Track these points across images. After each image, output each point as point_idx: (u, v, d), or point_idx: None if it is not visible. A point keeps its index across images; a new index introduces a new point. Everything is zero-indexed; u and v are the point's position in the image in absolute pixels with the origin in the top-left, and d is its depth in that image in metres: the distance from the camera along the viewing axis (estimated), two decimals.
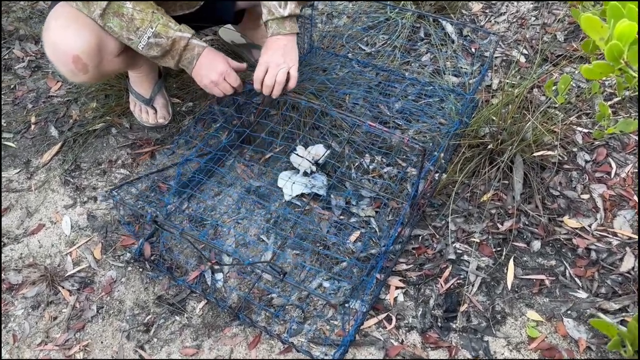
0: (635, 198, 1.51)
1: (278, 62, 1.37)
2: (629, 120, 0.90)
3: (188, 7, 1.52)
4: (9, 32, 2.19)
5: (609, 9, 0.64)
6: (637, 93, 1.72)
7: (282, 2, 1.37)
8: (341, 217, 1.53)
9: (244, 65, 1.45)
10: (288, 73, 1.38)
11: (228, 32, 1.96)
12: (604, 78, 1.19)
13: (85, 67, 1.41)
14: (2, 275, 1.46)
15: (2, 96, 1.96)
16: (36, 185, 1.67)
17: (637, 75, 0.67)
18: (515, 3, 2.16)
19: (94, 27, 1.39)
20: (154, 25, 1.32)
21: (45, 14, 2.25)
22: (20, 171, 1.71)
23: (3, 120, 1.87)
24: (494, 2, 2.19)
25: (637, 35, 0.64)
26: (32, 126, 1.84)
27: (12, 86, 1.99)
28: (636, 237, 1.43)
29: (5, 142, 1.79)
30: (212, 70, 1.39)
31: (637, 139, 1.64)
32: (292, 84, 1.40)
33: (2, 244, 1.53)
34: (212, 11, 1.60)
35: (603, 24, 0.66)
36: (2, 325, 1.36)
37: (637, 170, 1.57)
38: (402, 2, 2.07)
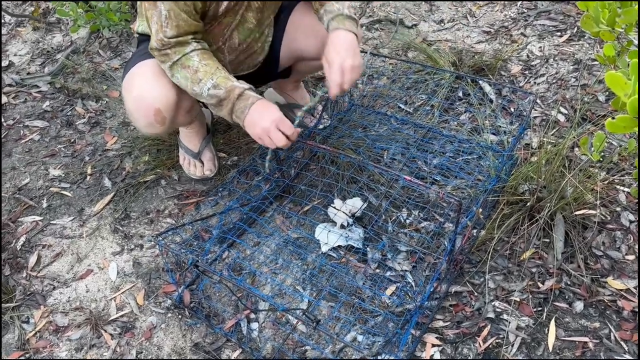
0: None
1: (353, 65, 1.37)
2: None
3: (248, 67, 1.68)
4: (72, 91, 2.37)
5: (632, 67, 0.67)
6: None
7: (347, 6, 1.46)
8: (377, 270, 1.53)
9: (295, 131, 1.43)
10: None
11: (272, 94, 2.07)
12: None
13: (164, 120, 1.53)
14: (50, 317, 1.53)
15: (63, 149, 2.10)
16: (87, 232, 1.76)
17: None
18: (555, 65, 2.19)
19: (174, 84, 1.52)
20: (214, 77, 1.41)
21: (107, 74, 2.44)
22: (73, 219, 1.81)
23: (61, 171, 2.00)
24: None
25: None
26: (88, 177, 1.96)
27: (72, 140, 2.14)
28: None
29: (62, 192, 1.91)
30: (265, 118, 1.38)
31: None
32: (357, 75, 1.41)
33: (52, 287, 1.61)
34: (267, 69, 1.73)
35: (627, 80, 0.69)
36: None
37: None
38: (440, 64, 2.14)
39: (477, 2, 2.65)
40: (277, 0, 1.64)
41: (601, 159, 1.74)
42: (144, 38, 1.64)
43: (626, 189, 1.65)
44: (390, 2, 2.71)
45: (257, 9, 1.57)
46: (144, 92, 1.50)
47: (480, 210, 1.51)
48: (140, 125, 1.56)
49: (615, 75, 0.68)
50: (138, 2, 1.62)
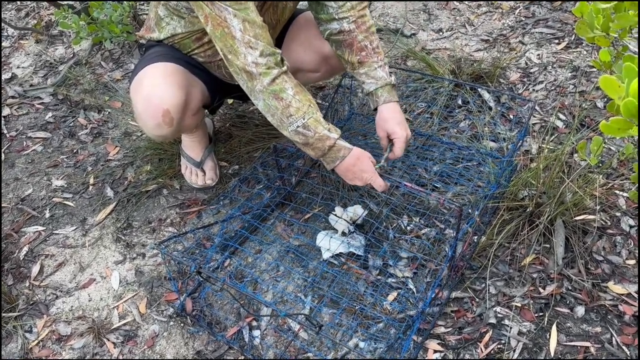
0: None
1: (409, 135, 1.50)
2: None
3: None
4: (75, 102, 2.40)
5: (625, 69, 0.68)
6: None
7: (388, 71, 1.51)
8: (378, 276, 1.54)
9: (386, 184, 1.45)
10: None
11: None
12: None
13: (172, 121, 1.54)
14: (53, 326, 1.53)
15: (66, 160, 2.12)
16: (90, 242, 1.77)
17: None
18: (553, 72, 2.21)
19: (184, 85, 1.53)
20: (306, 117, 1.35)
21: (109, 86, 2.47)
22: (76, 229, 1.82)
23: (64, 181, 2.01)
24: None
25: None
26: (90, 187, 1.98)
27: (74, 151, 2.15)
28: None
29: (65, 202, 1.93)
30: (356, 177, 1.42)
31: None
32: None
33: (55, 296, 1.62)
34: None
35: (620, 83, 0.70)
36: None
37: None
38: (440, 73, 2.16)
39: (475, 10, 2.68)
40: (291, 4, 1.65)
41: (600, 164, 1.75)
42: (153, 43, 1.66)
43: (625, 194, 1.66)
44: (390, 12, 2.74)
45: (270, 25, 1.58)
46: (153, 92, 1.51)
47: (479, 216, 1.52)
48: (148, 127, 1.57)
49: (609, 79, 0.69)
50: (150, 14, 1.65)
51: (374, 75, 1.51)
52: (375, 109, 1.54)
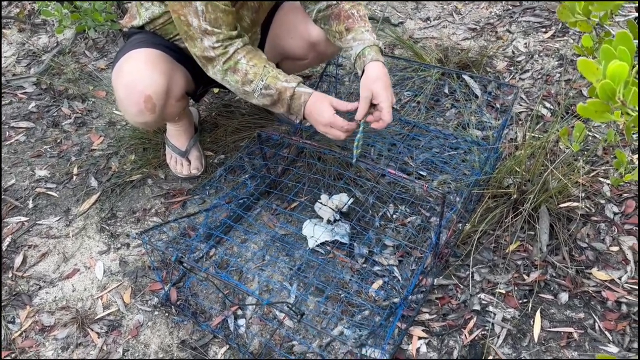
0: None
1: (394, 102, 1.43)
2: None
3: None
4: (59, 92, 2.37)
5: (602, 51, 0.68)
6: None
7: (375, 36, 1.48)
8: (364, 264, 1.54)
9: (352, 105, 1.43)
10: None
11: None
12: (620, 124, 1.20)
13: (154, 107, 1.53)
14: (36, 316, 1.52)
15: (49, 150, 2.09)
16: (74, 232, 1.75)
17: (636, 114, 0.69)
18: (540, 60, 2.21)
19: (166, 72, 1.52)
20: (264, 78, 1.40)
21: (93, 75, 2.43)
22: (60, 219, 1.80)
23: (47, 171, 1.99)
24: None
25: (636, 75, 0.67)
26: (74, 177, 1.95)
27: (58, 140, 2.13)
28: None
29: (48, 192, 1.90)
30: (319, 121, 1.42)
31: None
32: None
33: (38, 287, 1.60)
34: None
35: (598, 66, 0.70)
36: None
37: None
38: (427, 61, 2.15)
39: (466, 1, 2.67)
40: (273, 0, 1.65)
41: (584, 152, 1.75)
42: (135, 31, 1.63)
43: (610, 182, 1.67)
44: (379, 1, 2.72)
45: (253, 9, 1.57)
46: (135, 79, 1.50)
47: (461, 204, 1.52)
48: (130, 114, 1.55)
49: (586, 62, 0.69)
50: (132, 1, 1.63)
51: (361, 37, 1.48)
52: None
